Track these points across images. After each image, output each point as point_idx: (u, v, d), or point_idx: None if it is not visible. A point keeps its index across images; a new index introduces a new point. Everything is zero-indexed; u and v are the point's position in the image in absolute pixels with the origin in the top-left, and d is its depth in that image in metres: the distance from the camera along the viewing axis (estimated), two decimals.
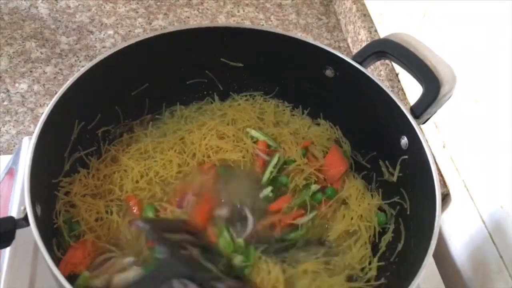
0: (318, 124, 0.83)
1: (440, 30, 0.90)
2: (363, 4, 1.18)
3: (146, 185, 0.72)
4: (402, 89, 1.03)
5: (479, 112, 0.79)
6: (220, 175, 0.76)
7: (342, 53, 0.75)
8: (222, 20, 1.22)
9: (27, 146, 0.62)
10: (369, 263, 0.71)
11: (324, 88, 0.78)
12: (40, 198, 0.60)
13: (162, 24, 1.18)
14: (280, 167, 0.77)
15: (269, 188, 0.74)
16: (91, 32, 1.14)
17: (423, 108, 0.67)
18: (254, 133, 0.80)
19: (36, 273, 0.69)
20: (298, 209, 0.74)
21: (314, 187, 0.75)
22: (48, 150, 0.63)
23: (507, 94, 0.72)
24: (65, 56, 1.09)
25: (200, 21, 1.20)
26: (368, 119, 0.76)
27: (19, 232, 0.57)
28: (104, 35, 1.14)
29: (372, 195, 0.76)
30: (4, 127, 0.96)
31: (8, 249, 0.69)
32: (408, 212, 0.70)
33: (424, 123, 0.69)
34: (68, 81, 0.66)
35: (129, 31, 1.16)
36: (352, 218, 0.73)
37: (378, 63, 1.03)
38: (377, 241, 0.73)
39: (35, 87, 1.03)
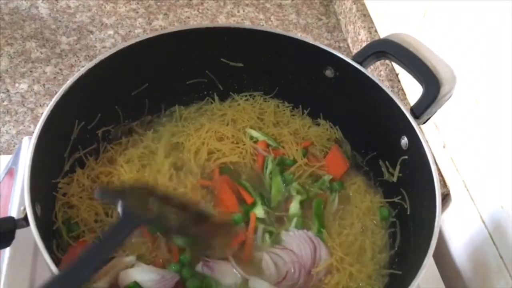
0: (318, 124, 0.83)
1: (440, 30, 0.90)
2: (363, 4, 1.18)
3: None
4: (402, 89, 1.03)
5: (479, 112, 0.79)
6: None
7: (342, 53, 0.75)
8: (222, 20, 1.22)
9: (27, 146, 0.62)
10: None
11: (324, 88, 0.78)
12: (40, 198, 0.60)
13: (162, 24, 1.18)
14: (281, 168, 0.77)
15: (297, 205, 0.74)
16: (91, 32, 1.15)
17: (423, 108, 0.67)
18: (254, 133, 0.80)
19: (36, 273, 0.69)
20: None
21: (327, 177, 0.76)
22: (48, 150, 0.63)
23: (507, 94, 0.72)
24: (65, 56, 1.09)
25: (200, 21, 1.20)
26: (368, 119, 0.76)
27: (19, 232, 0.57)
28: (104, 35, 1.14)
29: (374, 192, 0.77)
30: (4, 127, 0.95)
31: (8, 249, 0.69)
32: (408, 212, 0.70)
33: (424, 123, 0.69)
34: (68, 81, 0.66)
35: (129, 31, 1.16)
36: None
37: (378, 63, 1.03)
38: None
39: (35, 87, 1.02)
